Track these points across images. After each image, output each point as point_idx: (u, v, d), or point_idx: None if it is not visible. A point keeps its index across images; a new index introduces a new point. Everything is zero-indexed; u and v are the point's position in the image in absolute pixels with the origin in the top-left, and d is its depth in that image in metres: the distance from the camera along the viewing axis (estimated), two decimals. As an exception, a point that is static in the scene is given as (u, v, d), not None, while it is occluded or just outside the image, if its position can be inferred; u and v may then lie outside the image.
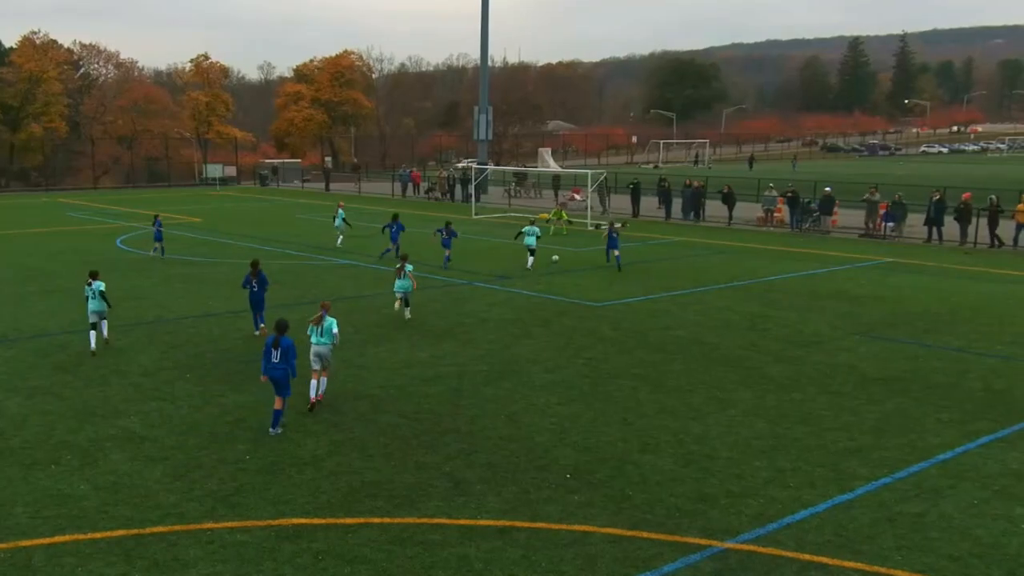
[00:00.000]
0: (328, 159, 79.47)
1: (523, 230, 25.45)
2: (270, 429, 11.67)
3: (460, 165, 56.48)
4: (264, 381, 11.80)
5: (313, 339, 12.61)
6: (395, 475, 10.39)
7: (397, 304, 18.37)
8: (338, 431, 11.82)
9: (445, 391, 13.46)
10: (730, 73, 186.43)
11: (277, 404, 11.61)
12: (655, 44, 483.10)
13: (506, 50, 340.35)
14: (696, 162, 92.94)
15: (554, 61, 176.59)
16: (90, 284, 15.57)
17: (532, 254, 24.76)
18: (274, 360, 11.50)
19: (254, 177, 65.93)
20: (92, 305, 15.58)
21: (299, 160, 74.22)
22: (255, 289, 16.39)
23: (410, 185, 52.80)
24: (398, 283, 17.95)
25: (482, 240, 31.47)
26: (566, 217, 33.03)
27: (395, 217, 25.84)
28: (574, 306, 19.62)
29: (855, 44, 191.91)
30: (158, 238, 26.65)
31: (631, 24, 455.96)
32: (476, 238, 31.90)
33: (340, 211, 29.29)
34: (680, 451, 11.18)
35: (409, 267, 17.92)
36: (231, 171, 66.79)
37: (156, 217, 27.64)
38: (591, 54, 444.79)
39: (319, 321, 12.52)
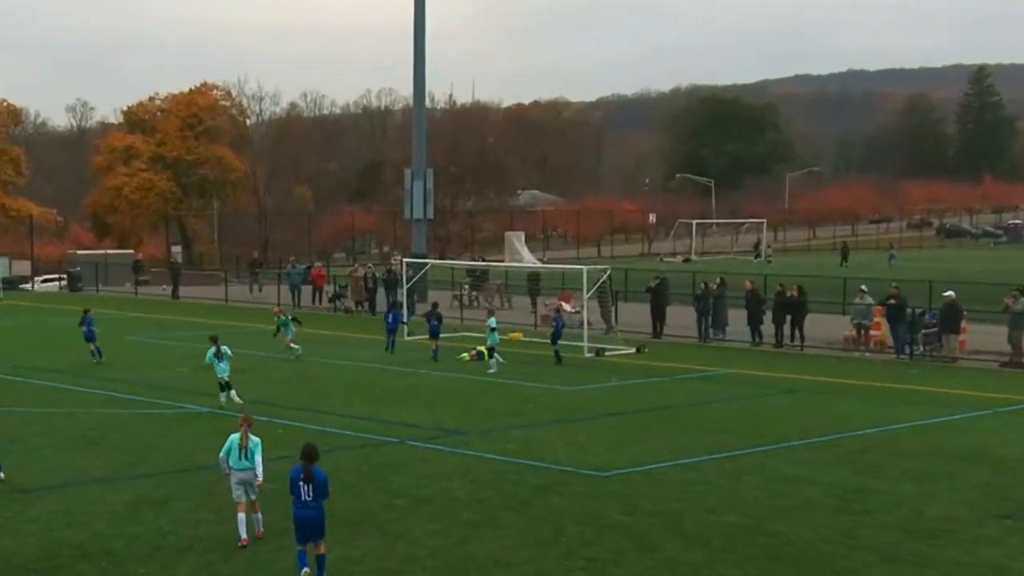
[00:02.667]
0: (177, 250, 79.89)
1: (491, 324, 31.60)
2: None
3: (394, 260, 57.11)
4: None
5: (233, 463, 15.60)
6: None
7: (224, 397, 25.55)
8: None
9: (364, 614, 13.27)
10: (795, 118, 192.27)
11: (320, 549, 13.96)
12: (679, 75, 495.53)
13: (453, 84, 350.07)
14: (757, 253, 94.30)
15: (527, 100, 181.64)
16: None
17: (492, 354, 31.16)
18: (305, 497, 13.79)
19: (60, 277, 65.91)
20: None
21: (131, 251, 74.48)
22: None
23: (307, 289, 53.08)
24: (220, 367, 25.52)
25: (420, 374, 31.57)
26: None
27: (394, 304, 37.35)
28: (566, 476, 19.62)
29: (980, 77, 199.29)
30: (90, 338, 32.92)
31: (642, 46, 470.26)
32: (409, 371, 32.01)
33: (279, 316, 35.89)
34: None
35: (226, 349, 25.65)
36: (23, 267, 66.78)
37: (86, 313, 32.81)
38: (583, 90, 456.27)
39: (246, 439, 15.55)
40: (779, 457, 21.24)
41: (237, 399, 25.46)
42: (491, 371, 31.10)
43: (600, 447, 22.02)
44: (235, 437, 15.66)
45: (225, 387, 25.74)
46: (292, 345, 34.40)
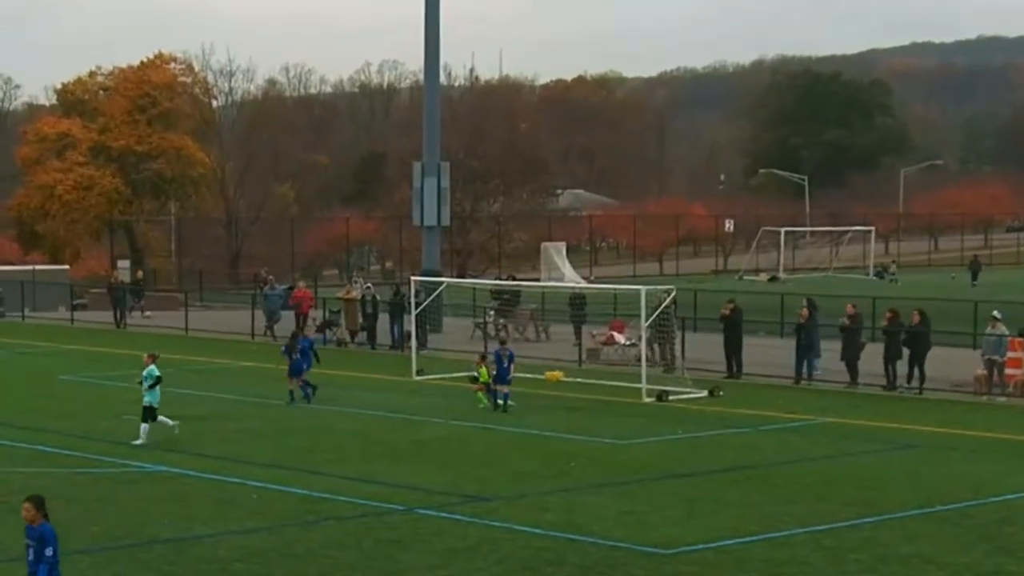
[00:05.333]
0: (124, 265, 79.96)
1: (145, 375, 28.22)
2: None
3: (359, 284, 56.78)
4: None
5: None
6: None
7: None
8: None
9: None
10: (911, 98, 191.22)
11: None
12: (763, 44, 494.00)
13: (474, 55, 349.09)
14: (884, 273, 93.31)
15: (569, 76, 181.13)
16: None
17: (153, 419, 28.18)
18: (28, 558, 14.29)
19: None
20: None
21: (66, 267, 74.65)
22: None
23: (288, 315, 53.05)
24: None
25: (431, 424, 31.67)
26: (484, 379, 33.85)
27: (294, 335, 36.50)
28: (620, 554, 19.53)
29: None
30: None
31: (716, 7, 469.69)
32: (418, 419, 32.08)
33: None
34: None
35: None
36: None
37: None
38: (641, 63, 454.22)
39: None
40: (893, 530, 21.06)
41: None
42: (174, 429, 28.71)
43: (663, 518, 21.85)
44: None
45: None
46: None
